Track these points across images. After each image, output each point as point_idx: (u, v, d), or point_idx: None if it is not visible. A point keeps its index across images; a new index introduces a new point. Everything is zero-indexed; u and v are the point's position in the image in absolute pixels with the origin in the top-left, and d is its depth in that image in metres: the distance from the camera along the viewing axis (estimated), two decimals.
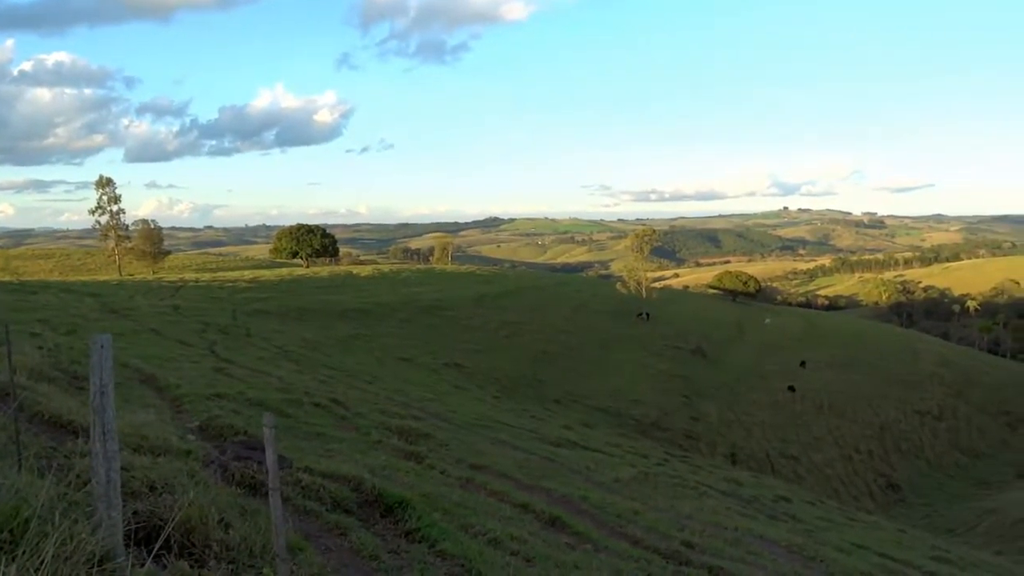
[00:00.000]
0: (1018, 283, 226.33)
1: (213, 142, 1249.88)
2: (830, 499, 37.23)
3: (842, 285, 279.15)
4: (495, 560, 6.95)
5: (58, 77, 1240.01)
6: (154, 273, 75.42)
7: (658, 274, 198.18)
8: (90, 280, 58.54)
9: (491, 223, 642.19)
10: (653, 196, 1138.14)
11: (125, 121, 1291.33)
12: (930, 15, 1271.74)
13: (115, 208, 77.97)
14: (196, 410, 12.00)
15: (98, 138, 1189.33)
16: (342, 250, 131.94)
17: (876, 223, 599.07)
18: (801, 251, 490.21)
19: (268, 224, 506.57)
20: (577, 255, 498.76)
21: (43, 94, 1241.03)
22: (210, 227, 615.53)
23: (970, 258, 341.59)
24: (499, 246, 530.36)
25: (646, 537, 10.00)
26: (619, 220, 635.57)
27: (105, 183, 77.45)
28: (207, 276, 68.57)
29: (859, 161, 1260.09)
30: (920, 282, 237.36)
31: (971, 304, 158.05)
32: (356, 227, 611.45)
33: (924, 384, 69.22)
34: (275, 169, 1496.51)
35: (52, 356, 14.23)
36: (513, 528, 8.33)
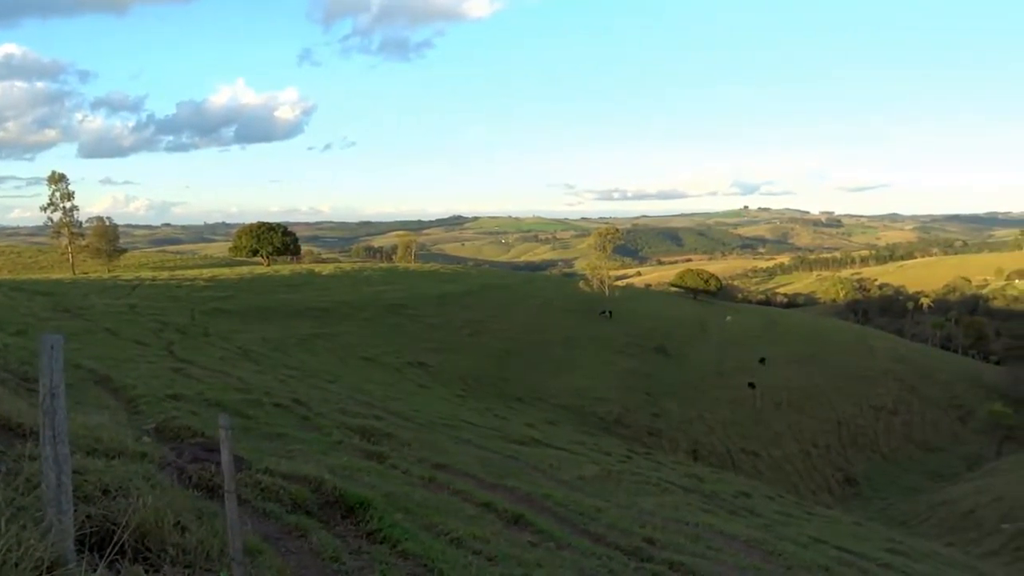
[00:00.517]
0: (969, 281, 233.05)
1: (171, 138, 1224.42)
2: (789, 494, 37.91)
3: (801, 283, 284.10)
4: (457, 560, 6.94)
5: (8, 70, 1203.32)
6: (109, 272, 73.74)
7: (621, 272, 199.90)
8: (42, 279, 56.98)
9: (455, 221, 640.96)
10: (616, 195, 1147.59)
11: (79, 116, 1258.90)
12: (887, 19, 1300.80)
13: (68, 205, 76.03)
14: (153, 411, 11.77)
15: (50, 133, 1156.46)
16: (304, 248, 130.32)
17: (834, 222, 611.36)
18: (761, 250, 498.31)
19: (228, 222, 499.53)
20: (541, 253, 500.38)
21: None
22: (168, 225, 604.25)
23: (923, 256, 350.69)
24: (463, 245, 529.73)
25: (608, 534, 10.07)
26: (583, 219, 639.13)
27: (58, 179, 75.48)
28: (165, 275, 67.27)
29: (818, 161, 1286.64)
30: (876, 280, 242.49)
31: (924, 301, 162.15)
32: (318, 225, 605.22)
33: (879, 380, 70.87)
34: (235, 166, 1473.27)
35: (0, 357, 13.83)
36: (476, 527, 8.31)
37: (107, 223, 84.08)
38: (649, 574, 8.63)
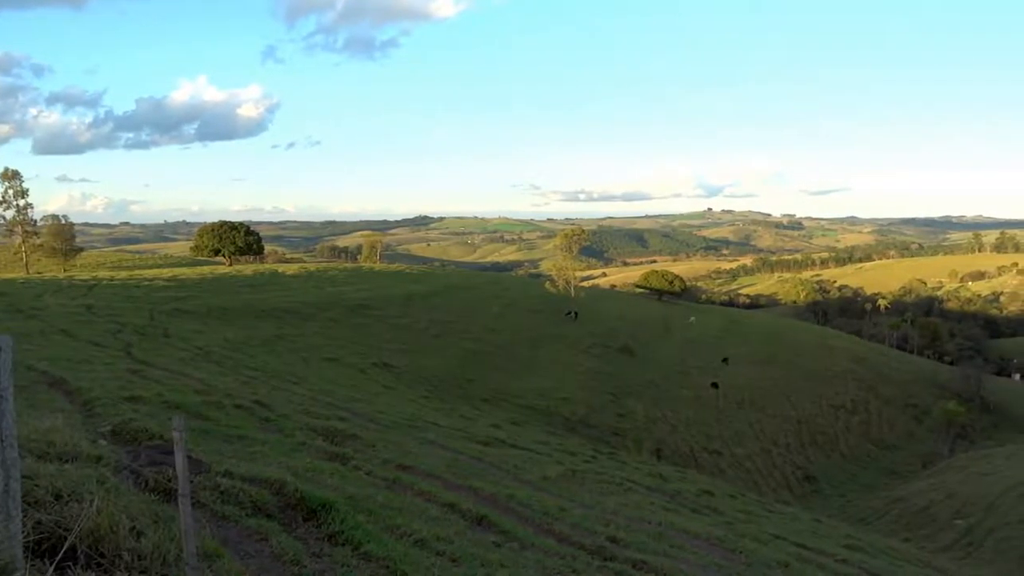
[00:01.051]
0: (924, 283, 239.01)
1: (130, 135, 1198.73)
2: (751, 491, 38.44)
3: (763, 284, 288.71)
4: (420, 561, 6.91)
5: None
6: (65, 271, 71.99)
7: (586, 273, 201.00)
8: None
9: (421, 222, 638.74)
10: (582, 196, 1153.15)
11: (33, 111, 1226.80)
12: (847, 25, 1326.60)
13: (22, 202, 74.26)
14: (109, 414, 11.50)
15: (3, 128, 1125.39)
16: (267, 248, 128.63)
17: (795, 224, 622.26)
18: (724, 251, 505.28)
19: (189, 221, 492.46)
20: (507, 254, 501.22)
21: None
22: (126, 223, 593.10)
23: (881, 259, 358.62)
24: (429, 245, 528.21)
25: (572, 533, 10.11)
26: (548, 219, 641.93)
27: (11, 176, 73.60)
28: (123, 274, 65.89)
29: (780, 164, 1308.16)
30: (835, 281, 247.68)
31: (882, 303, 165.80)
32: (282, 224, 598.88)
33: (838, 379, 72.27)
34: (196, 164, 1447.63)
35: None
36: (440, 528, 8.29)
37: (63, 221, 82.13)
38: (612, 573, 8.68)
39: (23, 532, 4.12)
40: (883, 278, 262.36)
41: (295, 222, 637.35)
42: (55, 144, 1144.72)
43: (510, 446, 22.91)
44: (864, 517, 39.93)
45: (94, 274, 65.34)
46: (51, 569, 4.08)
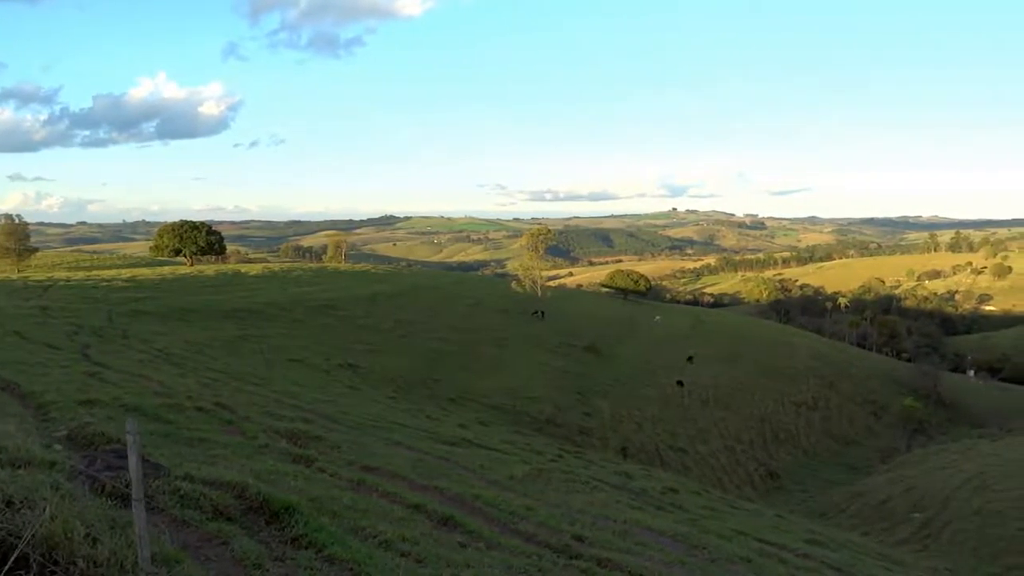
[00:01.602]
0: (883, 282, 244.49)
1: (87, 132, 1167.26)
2: (715, 488, 38.91)
3: (726, 283, 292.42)
4: (385, 563, 6.86)
5: None
6: (19, 272, 70.17)
7: (553, 273, 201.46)
8: None
9: (386, 221, 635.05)
10: (548, 196, 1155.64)
11: None
12: (806, 29, 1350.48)
13: None
14: (64, 418, 11.25)
15: None
16: (229, 248, 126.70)
17: (757, 224, 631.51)
18: (689, 251, 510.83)
19: (149, 220, 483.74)
20: (473, 254, 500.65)
21: None
22: (83, 223, 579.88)
23: (841, 258, 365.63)
24: (394, 244, 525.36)
25: (538, 533, 10.13)
26: (515, 219, 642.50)
27: None
28: (80, 275, 64.45)
29: (743, 165, 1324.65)
30: (797, 280, 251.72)
31: (842, 301, 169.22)
32: (245, 224, 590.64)
33: (800, 377, 73.46)
34: (156, 163, 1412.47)
35: None
36: (405, 529, 8.25)
37: (16, 221, 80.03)
38: (578, 571, 8.72)
39: None
40: (843, 277, 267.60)
41: (258, 222, 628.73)
42: (8, 141, 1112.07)
43: (477, 446, 22.89)
44: (825, 512, 40.65)
45: (50, 275, 63.82)
46: None
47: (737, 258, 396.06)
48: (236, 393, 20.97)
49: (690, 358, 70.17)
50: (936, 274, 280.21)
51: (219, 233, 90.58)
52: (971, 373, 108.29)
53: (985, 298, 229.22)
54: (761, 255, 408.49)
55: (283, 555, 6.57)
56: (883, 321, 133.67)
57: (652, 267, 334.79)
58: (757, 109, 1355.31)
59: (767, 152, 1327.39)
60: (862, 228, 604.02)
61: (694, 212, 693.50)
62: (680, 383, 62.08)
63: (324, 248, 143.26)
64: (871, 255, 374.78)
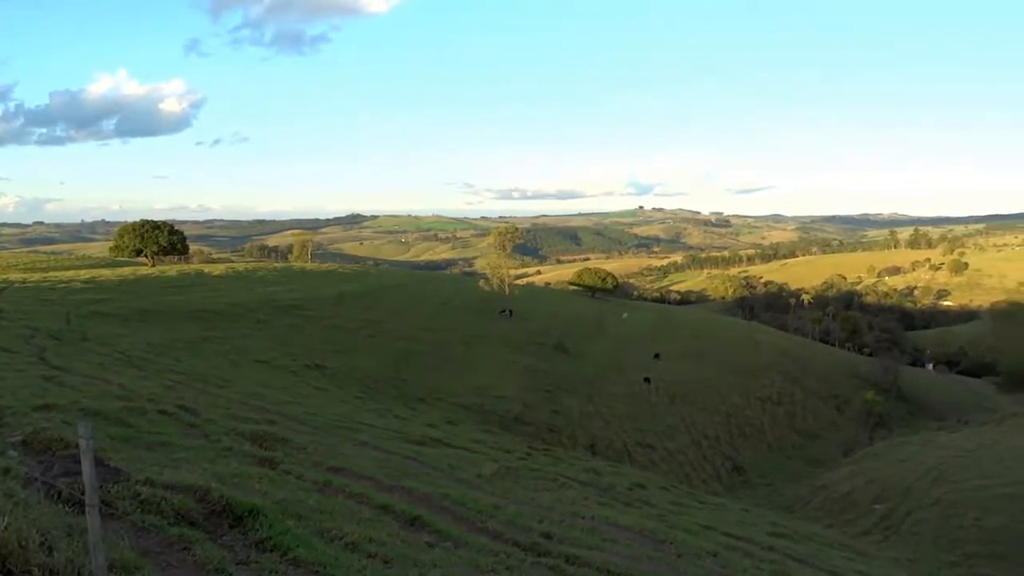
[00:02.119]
0: (845, 278, 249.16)
1: (43, 130, 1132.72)
2: (682, 484, 39.35)
3: (693, 281, 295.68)
4: (352, 564, 6.81)
5: None
6: None
7: (521, 271, 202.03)
8: None
9: (353, 220, 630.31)
10: (516, 194, 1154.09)
11: None
12: (768, 30, 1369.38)
13: None
14: (20, 423, 10.94)
15: None
16: (193, 248, 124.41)
17: (723, 222, 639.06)
18: (655, 248, 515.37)
19: (108, 220, 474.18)
20: (441, 253, 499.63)
21: None
22: (40, 223, 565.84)
23: (804, 255, 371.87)
24: (361, 244, 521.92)
25: (506, 531, 10.13)
26: (482, 218, 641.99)
27: None
28: (36, 276, 62.89)
29: (708, 163, 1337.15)
30: (761, 277, 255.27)
31: (805, 297, 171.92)
32: (208, 223, 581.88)
33: (765, 372, 74.55)
34: (116, 161, 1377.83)
35: None
36: (372, 530, 8.19)
37: None
38: (546, 569, 8.74)
39: None
40: (806, 274, 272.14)
41: (222, 221, 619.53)
42: None
43: (445, 445, 22.83)
44: (790, 505, 41.30)
45: (4, 276, 62.18)
46: None
47: (703, 256, 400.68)
48: (200, 395, 20.65)
49: (657, 355, 70.78)
50: (896, 270, 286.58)
51: (181, 233, 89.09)
52: (930, 367, 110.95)
53: (943, 293, 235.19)
54: (727, 253, 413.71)
55: (247, 559, 6.49)
56: (845, 317, 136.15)
57: (619, 265, 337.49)
58: (722, 109, 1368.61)
59: (732, 151, 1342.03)
60: (824, 226, 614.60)
61: (661, 210, 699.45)
62: (647, 380, 62.59)
63: (290, 248, 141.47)
64: (833, 252, 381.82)
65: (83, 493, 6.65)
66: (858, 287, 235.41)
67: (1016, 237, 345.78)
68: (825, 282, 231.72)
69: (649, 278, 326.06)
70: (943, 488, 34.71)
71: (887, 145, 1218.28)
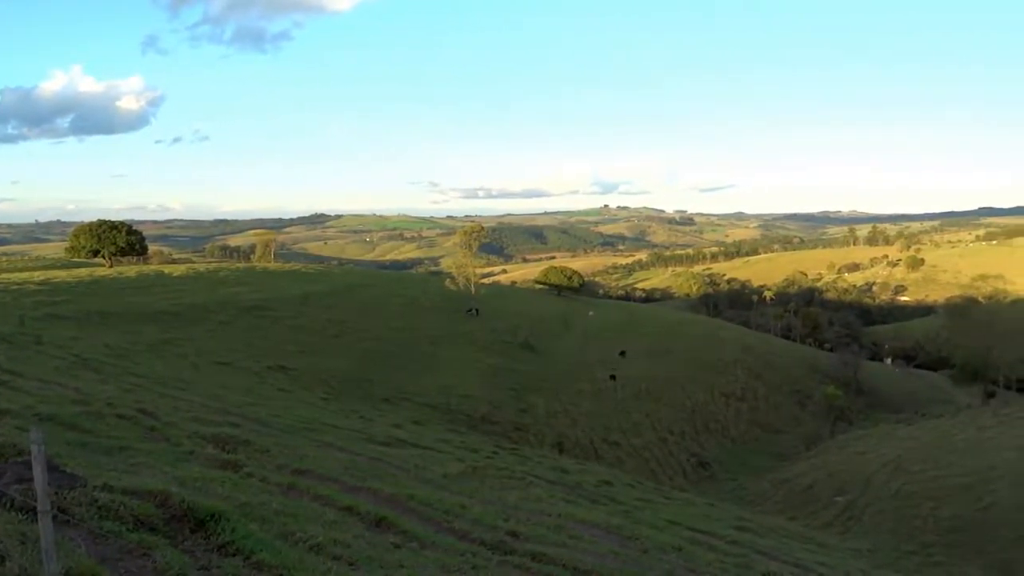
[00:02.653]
0: (806, 275, 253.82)
1: None
2: (648, 480, 39.70)
3: (657, 278, 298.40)
4: (316, 567, 6.75)
5: None
6: None
7: (487, 270, 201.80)
8: None
9: (317, 219, 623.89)
10: (481, 193, 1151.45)
11: None
12: (729, 29, 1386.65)
13: None
14: None
15: None
16: (152, 248, 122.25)
17: (686, 220, 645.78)
18: (620, 247, 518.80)
19: (64, 220, 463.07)
20: (406, 252, 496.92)
21: None
22: None
23: (766, 253, 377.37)
24: (325, 243, 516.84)
25: (472, 530, 10.12)
26: (448, 216, 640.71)
27: None
28: None
29: (672, 162, 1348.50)
30: (725, 275, 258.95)
31: (768, 294, 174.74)
32: (168, 223, 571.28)
33: (729, 368, 75.50)
34: (71, 160, 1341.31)
35: None
36: (337, 532, 8.13)
37: None
38: (512, 567, 8.75)
39: None
40: (768, 270, 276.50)
41: (182, 220, 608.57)
42: None
43: (411, 445, 22.74)
44: (754, 499, 41.89)
45: None
46: None
47: (667, 253, 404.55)
48: (160, 398, 20.27)
49: (623, 352, 71.28)
50: (855, 267, 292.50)
51: (140, 233, 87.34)
52: (888, 361, 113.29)
53: (900, 289, 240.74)
54: (691, 250, 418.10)
55: (209, 564, 6.39)
56: (806, 313, 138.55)
57: (585, 263, 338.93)
58: (685, 108, 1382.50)
59: (695, 150, 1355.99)
60: (786, 223, 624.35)
61: (625, 209, 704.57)
62: (613, 377, 63.00)
63: (252, 247, 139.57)
64: (795, 249, 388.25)
65: (36, 500, 6.50)
66: (819, 283, 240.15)
67: (970, 234, 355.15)
68: (787, 279, 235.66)
69: (615, 276, 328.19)
70: (901, 479, 35.53)
71: (846, 144, 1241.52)
